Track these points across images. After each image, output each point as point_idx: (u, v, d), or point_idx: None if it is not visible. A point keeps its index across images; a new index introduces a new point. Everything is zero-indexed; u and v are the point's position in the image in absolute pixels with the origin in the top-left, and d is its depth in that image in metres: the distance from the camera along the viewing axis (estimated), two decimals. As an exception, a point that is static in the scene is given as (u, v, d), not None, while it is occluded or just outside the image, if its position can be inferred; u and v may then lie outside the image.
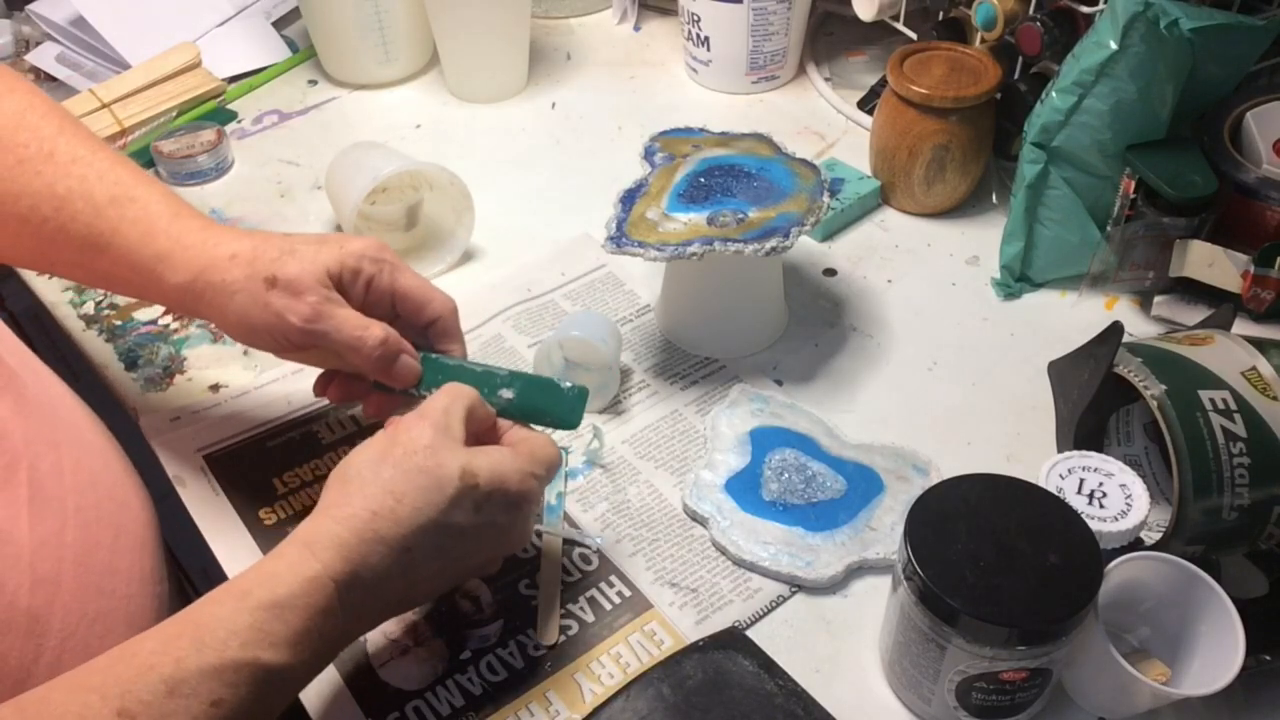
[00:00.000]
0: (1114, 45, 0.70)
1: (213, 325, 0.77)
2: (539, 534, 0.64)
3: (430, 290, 0.60)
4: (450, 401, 0.54)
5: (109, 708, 0.43)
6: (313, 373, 0.74)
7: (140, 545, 0.59)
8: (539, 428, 0.59)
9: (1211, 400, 0.56)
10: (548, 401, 0.59)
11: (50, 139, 0.60)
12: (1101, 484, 0.56)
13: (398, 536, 0.49)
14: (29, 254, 0.63)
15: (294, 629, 0.47)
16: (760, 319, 0.76)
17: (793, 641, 0.59)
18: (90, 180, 0.59)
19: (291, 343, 0.58)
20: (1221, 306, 0.68)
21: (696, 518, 0.65)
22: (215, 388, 0.74)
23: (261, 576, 0.48)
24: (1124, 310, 0.78)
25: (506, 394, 0.59)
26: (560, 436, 0.70)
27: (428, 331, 0.61)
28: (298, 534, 0.50)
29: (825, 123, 0.97)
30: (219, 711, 0.44)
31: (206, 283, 0.57)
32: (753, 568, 0.62)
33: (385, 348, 0.57)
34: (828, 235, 0.85)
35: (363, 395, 0.62)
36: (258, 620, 0.46)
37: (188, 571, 0.75)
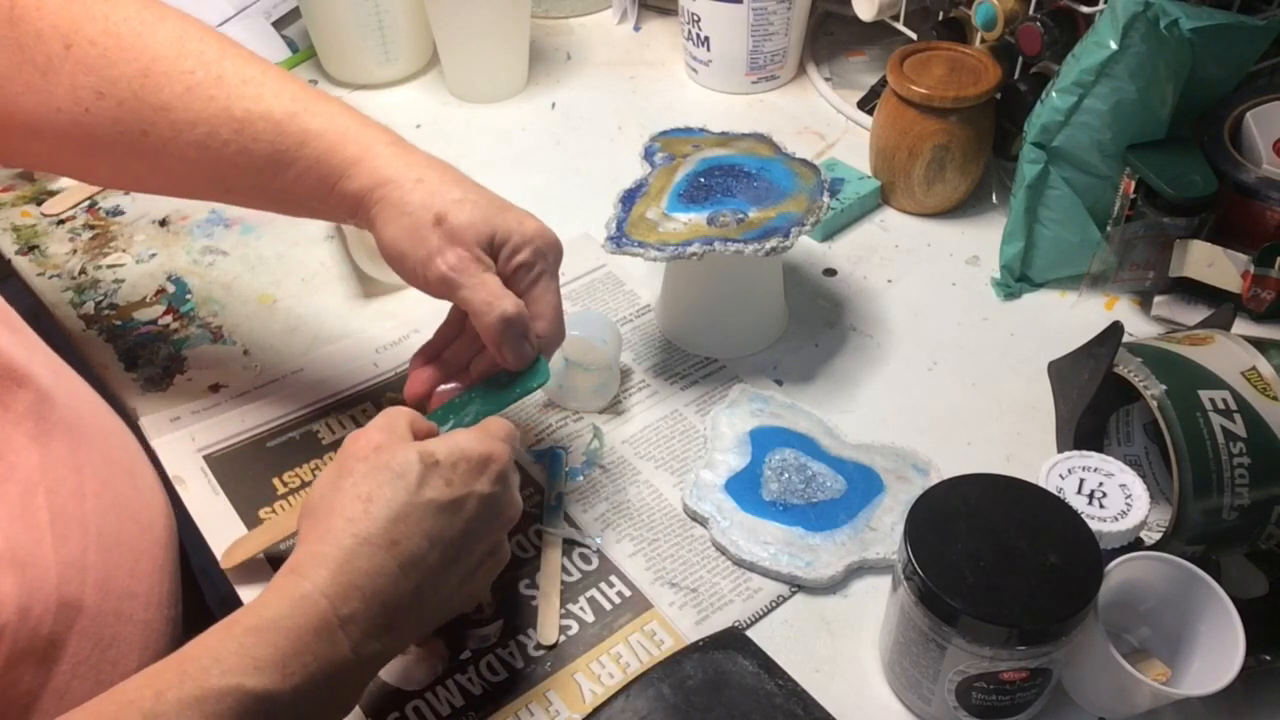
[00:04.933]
0: (1114, 45, 0.70)
1: (213, 324, 0.78)
2: (539, 534, 0.64)
3: (544, 312, 0.59)
4: (390, 414, 0.54)
5: None
6: (313, 372, 0.74)
7: (159, 568, 0.58)
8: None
9: (1211, 400, 0.56)
10: (509, 381, 0.60)
11: (215, 62, 0.58)
12: (1101, 484, 0.56)
13: (378, 531, 0.48)
14: (205, 181, 0.61)
15: (281, 651, 0.44)
16: (760, 319, 0.76)
17: (793, 641, 0.59)
18: (266, 99, 0.58)
19: (429, 285, 0.57)
20: (1221, 306, 0.68)
21: (696, 518, 0.65)
22: (215, 388, 0.74)
23: (252, 605, 0.47)
24: (1124, 310, 0.78)
25: (471, 410, 0.59)
26: (560, 436, 0.70)
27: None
28: (286, 564, 0.48)
29: (825, 123, 0.97)
30: None
31: (383, 196, 0.57)
32: (753, 568, 0.62)
33: (509, 323, 0.56)
34: (828, 235, 0.85)
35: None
36: (242, 645, 0.44)
37: (192, 574, 0.75)
